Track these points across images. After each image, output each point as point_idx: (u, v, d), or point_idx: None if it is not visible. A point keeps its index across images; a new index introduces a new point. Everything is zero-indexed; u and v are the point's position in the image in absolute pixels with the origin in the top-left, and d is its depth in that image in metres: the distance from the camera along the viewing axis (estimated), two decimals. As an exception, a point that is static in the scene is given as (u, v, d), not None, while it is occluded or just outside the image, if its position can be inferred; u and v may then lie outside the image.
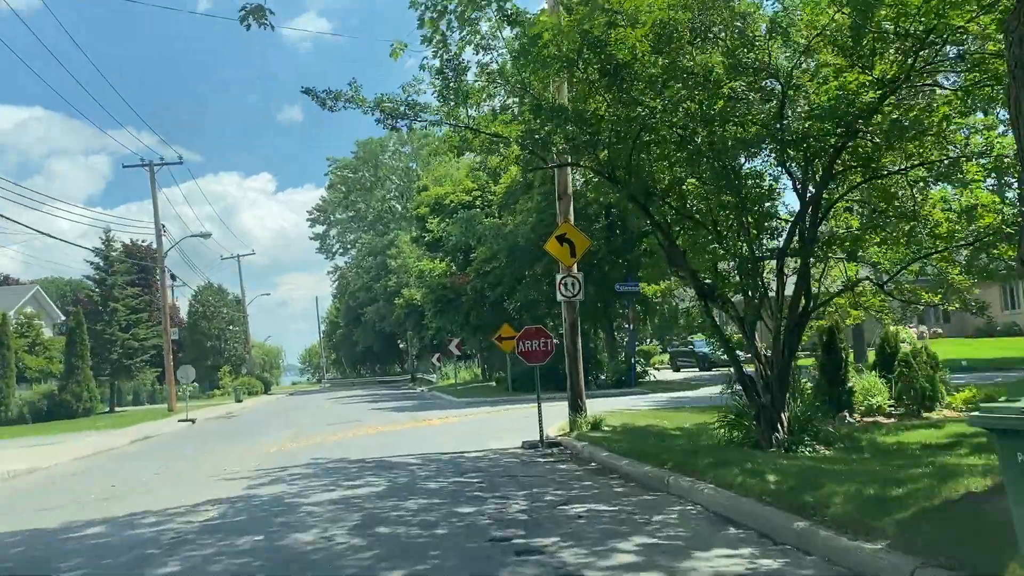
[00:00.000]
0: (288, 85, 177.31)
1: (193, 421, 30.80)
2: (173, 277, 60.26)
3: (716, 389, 18.18)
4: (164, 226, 37.74)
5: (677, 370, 41.22)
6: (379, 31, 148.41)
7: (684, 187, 11.24)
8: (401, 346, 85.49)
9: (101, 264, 43.35)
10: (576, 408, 15.10)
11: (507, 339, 32.70)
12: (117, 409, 44.85)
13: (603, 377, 33.24)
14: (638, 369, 32.25)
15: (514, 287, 32.33)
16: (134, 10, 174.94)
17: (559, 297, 15.16)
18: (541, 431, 14.18)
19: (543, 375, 34.81)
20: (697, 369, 38.92)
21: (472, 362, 63.51)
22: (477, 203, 37.61)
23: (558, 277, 15.27)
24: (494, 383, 43.48)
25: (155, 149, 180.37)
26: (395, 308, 63.50)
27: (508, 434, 15.61)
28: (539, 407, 14.29)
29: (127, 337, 42.66)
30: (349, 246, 77.37)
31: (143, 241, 67.83)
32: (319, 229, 78.68)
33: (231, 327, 66.07)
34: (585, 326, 36.01)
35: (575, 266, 15.24)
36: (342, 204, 74.34)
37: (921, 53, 8.74)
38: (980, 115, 9.85)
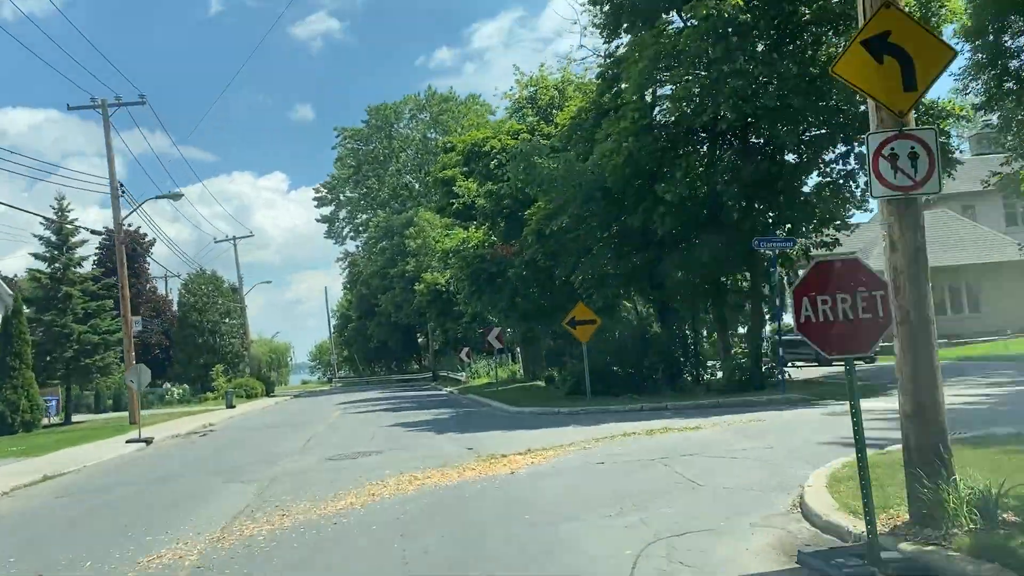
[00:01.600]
0: (300, 84, 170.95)
1: (148, 442, 22.07)
2: (136, 249, 51.88)
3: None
4: (121, 185, 29.09)
5: (786, 364, 32.04)
6: (388, 29, 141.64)
7: None
8: (420, 340, 76.61)
9: (53, 239, 34.69)
10: (932, 457, 6.03)
11: (584, 323, 23.89)
12: (74, 420, 36.21)
13: (710, 375, 24.27)
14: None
15: (586, 252, 23.30)
16: (142, 10, 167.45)
17: (878, 191, 6.10)
18: (871, 523, 5.29)
19: (602, 373, 24.78)
20: (816, 364, 29.84)
21: (503, 357, 54.64)
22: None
23: (872, 141, 6.16)
24: (542, 383, 34.59)
25: (168, 152, 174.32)
26: (414, 296, 54.74)
27: (703, 512, 6.79)
28: (858, 439, 5.41)
29: (85, 330, 34.00)
30: (360, 228, 68.30)
31: (129, 225, 59.77)
32: (327, 210, 69.83)
33: (227, 320, 57.35)
34: (676, 304, 27.09)
35: (911, 113, 6.21)
36: (352, 180, 65.29)
37: None
38: None
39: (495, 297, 29.71)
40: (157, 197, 30.15)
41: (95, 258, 58.91)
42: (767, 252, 19.17)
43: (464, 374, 47.54)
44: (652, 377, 24.58)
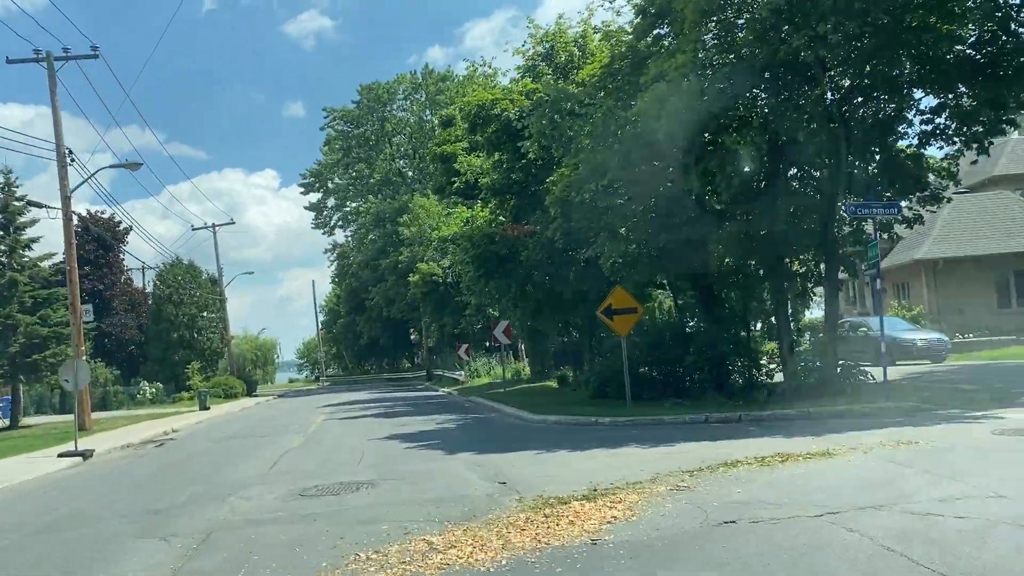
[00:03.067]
0: (291, 82, 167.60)
1: (86, 456, 17.93)
2: (88, 230, 47.61)
3: None
4: (70, 152, 24.83)
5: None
6: (380, 27, 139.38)
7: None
8: (413, 338, 72.37)
9: (-4, 218, 30.30)
10: None
11: (622, 312, 19.70)
12: (25, 423, 31.87)
13: (766, 378, 20.26)
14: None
15: (621, 225, 19.14)
16: (136, 6, 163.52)
17: None
18: None
19: (631, 373, 20.82)
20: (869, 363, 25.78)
21: (504, 354, 50.51)
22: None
23: None
24: (553, 384, 30.51)
25: (157, 149, 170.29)
26: (408, 289, 50.59)
27: None
28: None
29: (33, 322, 29.66)
30: (350, 217, 63.78)
31: (102, 212, 55.48)
32: (315, 198, 65.24)
33: (205, 314, 52.98)
34: (729, 290, 23.00)
35: None
36: (341, 164, 60.76)
37: None
38: None
39: (504, 284, 25.59)
40: (112, 166, 26.08)
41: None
42: (863, 222, 15.09)
43: (462, 373, 43.40)
44: (693, 378, 20.61)
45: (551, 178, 20.29)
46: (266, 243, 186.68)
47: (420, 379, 60.10)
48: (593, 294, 23.95)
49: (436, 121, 41.63)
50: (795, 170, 16.07)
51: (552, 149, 20.90)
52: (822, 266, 18.87)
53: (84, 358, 25.31)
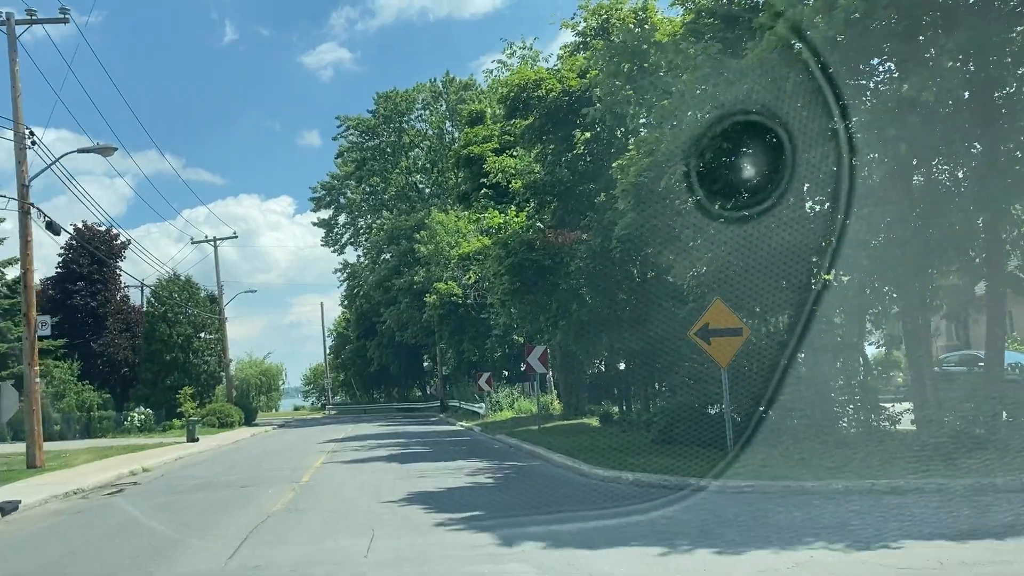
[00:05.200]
0: (308, 111, 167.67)
1: (4, 511, 13.50)
2: (83, 244, 43.56)
3: None
4: (31, 133, 20.70)
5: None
6: (398, 59, 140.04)
7: None
8: (426, 365, 67.76)
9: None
10: None
11: (722, 334, 14.52)
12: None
13: (888, 423, 15.66)
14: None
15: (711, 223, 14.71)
16: (154, 38, 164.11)
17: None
18: None
19: (694, 412, 15.14)
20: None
21: (530, 386, 45.85)
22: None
23: None
24: (593, 422, 25.87)
25: (179, 171, 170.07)
26: (423, 312, 46.29)
27: None
28: None
29: (-10, 336, 25.46)
30: (362, 233, 59.41)
31: (99, 225, 51.39)
32: (325, 214, 61.07)
33: (202, 335, 48.58)
34: (838, 313, 18.32)
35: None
36: (355, 177, 56.53)
37: None
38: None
39: (543, 300, 21.14)
40: (82, 151, 21.69)
41: (60, 260, 51.07)
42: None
43: (483, 406, 38.76)
44: (787, 423, 16.11)
45: (619, 161, 15.85)
46: (278, 269, 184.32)
47: (433, 410, 55.49)
48: (652, 314, 19.50)
49: (464, 114, 37.30)
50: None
51: (616, 131, 16.53)
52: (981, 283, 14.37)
53: (37, 380, 20.95)
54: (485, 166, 26.93)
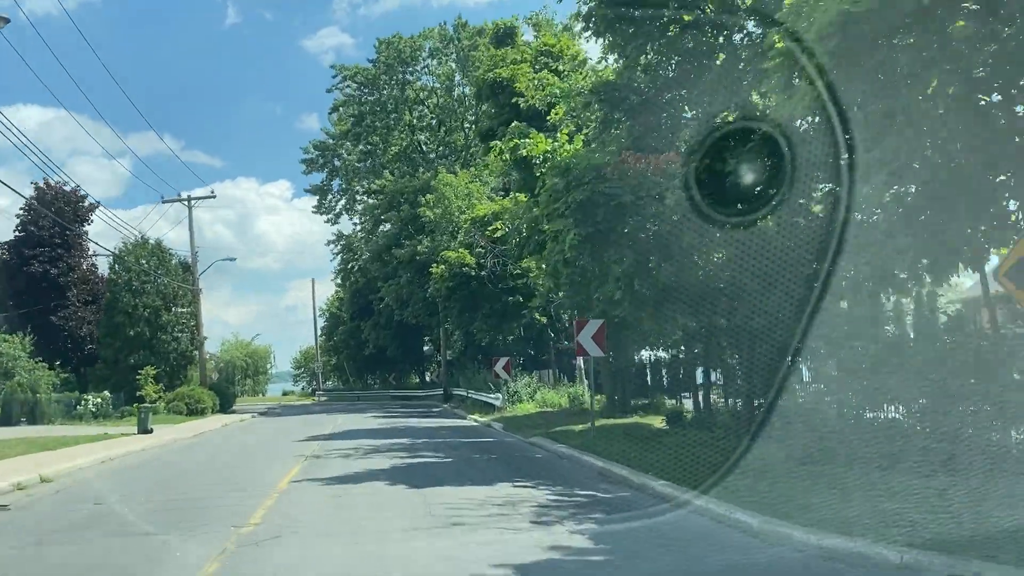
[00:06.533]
0: (308, 94, 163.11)
1: None
2: (43, 203, 37.41)
3: None
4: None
5: None
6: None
7: None
8: (426, 349, 61.57)
9: None
10: None
11: None
12: None
13: None
14: None
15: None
16: (157, 19, 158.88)
17: None
18: None
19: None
20: None
21: (543, 374, 39.67)
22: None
23: None
24: (658, 422, 19.73)
25: (177, 154, 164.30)
26: (425, 287, 40.15)
27: None
28: None
29: None
30: (358, 198, 52.89)
31: (64, 184, 44.96)
32: (318, 179, 54.53)
33: (173, 308, 42.18)
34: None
35: None
36: (351, 136, 49.93)
37: None
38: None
39: (616, 255, 14.96)
40: None
41: (18, 222, 44.84)
42: None
43: (499, 396, 32.60)
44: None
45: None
46: (276, 252, 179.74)
47: (435, 399, 49.43)
48: (785, 273, 13.40)
49: (480, 77, 30.89)
50: None
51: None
52: None
53: None
54: (517, 85, 20.72)
